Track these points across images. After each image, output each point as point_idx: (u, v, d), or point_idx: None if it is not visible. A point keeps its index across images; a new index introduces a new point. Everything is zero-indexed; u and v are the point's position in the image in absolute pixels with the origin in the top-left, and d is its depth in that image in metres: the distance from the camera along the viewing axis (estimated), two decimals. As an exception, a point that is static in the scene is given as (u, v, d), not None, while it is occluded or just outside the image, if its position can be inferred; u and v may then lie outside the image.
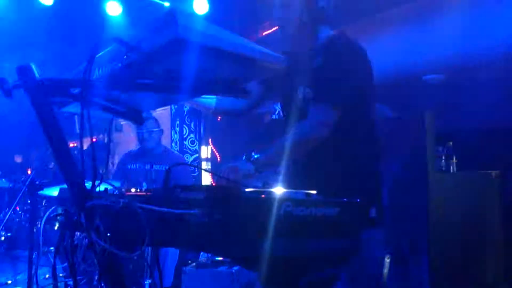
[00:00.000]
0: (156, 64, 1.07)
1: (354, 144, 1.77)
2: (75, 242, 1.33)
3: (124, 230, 1.16)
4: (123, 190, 1.35)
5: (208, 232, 1.00)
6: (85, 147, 1.31)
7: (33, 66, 1.18)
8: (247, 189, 1.13)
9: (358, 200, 1.19)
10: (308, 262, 1.04)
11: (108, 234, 1.15)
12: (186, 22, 0.98)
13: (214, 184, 3.44)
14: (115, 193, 1.26)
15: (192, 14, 5.76)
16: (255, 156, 1.65)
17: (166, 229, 1.10)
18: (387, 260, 2.54)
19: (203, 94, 1.41)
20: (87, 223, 1.08)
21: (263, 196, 1.02)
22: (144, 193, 1.24)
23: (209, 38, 0.98)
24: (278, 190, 1.08)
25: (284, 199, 1.01)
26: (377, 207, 1.74)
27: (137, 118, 1.41)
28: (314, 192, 1.14)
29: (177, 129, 6.36)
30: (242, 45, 1.03)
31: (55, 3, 5.30)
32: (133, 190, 1.34)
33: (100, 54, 1.21)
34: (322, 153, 1.74)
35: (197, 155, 6.33)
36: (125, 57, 1.10)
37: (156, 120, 3.97)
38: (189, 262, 3.33)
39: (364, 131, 1.81)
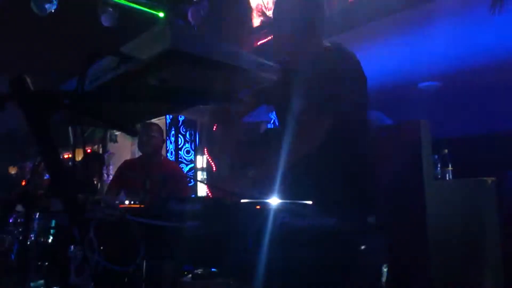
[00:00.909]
0: (150, 75, 1.06)
1: (350, 153, 1.77)
2: (69, 256, 1.30)
3: (118, 243, 1.14)
4: (116, 202, 1.34)
5: (203, 244, 0.98)
6: (79, 158, 1.29)
7: (26, 78, 1.17)
8: (242, 200, 1.12)
9: (356, 209, 1.18)
10: (306, 274, 1.02)
11: (102, 248, 1.14)
12: (179, 32, 0.97)
13: (209, 195, 3.43)
14: (109, 205, 1.25)
15: (186, 25, 5.78)
16: (252, 171, 1.65)
17: (161, 242, 1.08)
18: (384, 270, 2.53)
19: (197, 104, 1.41)
20: (80, 237, 1.06)
21: (258, 207, 1.01)
22: (138, 206, 1.22)
23: (202, 48, 0.97)
24: (274, 201, 1.06)
25: (281, 210, 1.00)
26: (376, 215, 1.74)
27: (130, 129, 1.40)
28: (310, 202, 1.13)
29: (173, 139, 6.34)
30: (237, 55, 1.02)
31: (50, 13, 5.31)
32: (127, 202, 1.33)
33: (93, 65, 1.20)
34: (318, 162, 1.73)
35: (192, 165, 6.31)
36: (118, 68, 1.09)
37: (159, 128, 3.92)
38: (185, 273, 3.29)
39: (360, 140, 1.81)
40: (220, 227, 0.98)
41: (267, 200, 1.09)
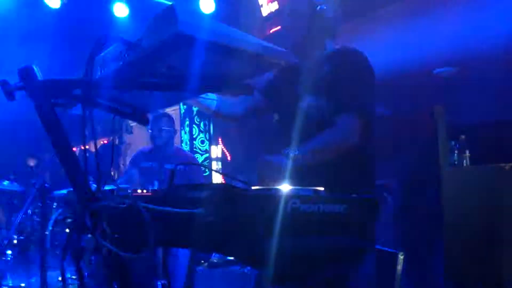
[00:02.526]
0: (158, 62, 1.05)
1: (361, 145, 1.77)
2: (83, 244, 1.31)
3: (130, 231, 1.14)
4: (129, 191, 1.34)
5: (214, 231, 0.98)
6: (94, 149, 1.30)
7: (35, 68, 1.17)
8: (253, 187, 1.11)
9: (368, 195, 1.16)
10: (317, 261, 1.01)
11: (115, 236, 1.14)
12: (187, 18, 0.96)
13: (222, 183, 3.44)
14: (121, 193, 1.25)
15: (194, 10, 5.77)
16: (293, 153, 1.65)
17: (173, 229, 1.08)
18: (400, 257, 2.50)
19: (207, 92, 1.40)
20: (92, 225, 1.06)
21: (269, 193, 1.00)
22: (150, 193, 1.22)
23: (211, 33, 0.95)
24: (285, 187, 1.05)
25: (291, 196, 0.99)
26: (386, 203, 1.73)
27: (142, 118, 1.39)
28: (321, 188, 1.11)
29: (187, 129, 6.36)
30: (247, 40, 1.01)
31: (62, 5, 5.34)
32: (139, 190, 1.33)
33: (102, 54, 1.19)
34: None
35: (207, 155, 6.33)
36: (126, 55, 1.08)
37: (170, 119, 3.93)
38: (202, 262, 3.32)
39: (369, 131, 1.81)
40: (230, 214, 0.97)
41: (278, 187, 1.07)
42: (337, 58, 1.78)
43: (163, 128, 3.76)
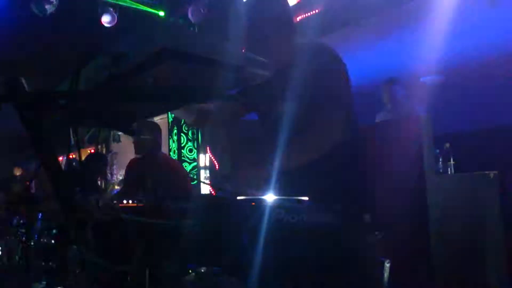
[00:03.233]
0: (143, 74, 1.06)
1: (343, 150, 1.75)
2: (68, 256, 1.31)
3: (115, 243, 1.14)
4: (115, 201, 1.34)
5: (199, 241, 0.99)
6: (82, 159, 1.30)
7: (22, 79, 1.17)
8: (238, 197, 1.12)
9: (350, 205, 1.18)
10: (301, 270, 1.02)
11: (100, 247, 1.14)
12: (172, 31, 0.97)
13: (212, 193, 3.43)
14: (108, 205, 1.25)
15: (179, 24, 5.78)
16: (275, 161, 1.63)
17: (158, 241, 1.09)
18: (387, 265, 2.52)
19: (191, 102, 1.41)
20: (77, 237, 1.06)
21: (253, 204, 1.01)
22: (136, 205, 1.22)
23: (196, 47, 0.97)
24: (269, 198, 1.06)
25: (275, 206, 1.00)
26: (371, 212, 1.74)
27: (127, 128, 1.40)
28: (305, 198, 1.13)
29: (175, 138, 6.35)
30: (228, 52, 1.02)
31: (50, 13, 5.32)
32: (125, 202, 1.33)
33: (87, 65, 1.20)
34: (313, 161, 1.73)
35: (195, 163, 6.32)
36: (111, 67, 1.09)
37: (152, 127, 3.89)
38: (189, 271, 3.30)
39: (351, 136, 1.80)
40: (216, 225, 0.98)
41: (263, 197, 1.08)
42: (306, 55, 1.74)
43: (143, 137, 3.71)
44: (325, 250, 1.08)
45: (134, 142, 3.76)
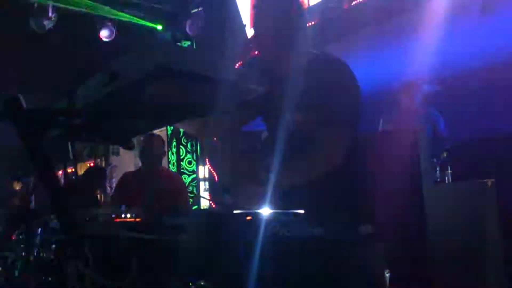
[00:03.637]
0: (140, 91, 1.08)
1: (344, 166, 1.74)
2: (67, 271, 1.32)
3: (113, 258, 1.15)
4: (113, 216, 1.35)
5: (195, 257, 1.00)
6: (80, 173, 1.31)
7: (20, 97, 1.19)
8: (235, 211, 1.13)
9: (347, 218, 1.19)
10: (298, 285, 1.03)
11: (97, 263, 1.15)
12: (168, 49, 0.99)
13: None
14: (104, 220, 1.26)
15: (172, 42, 5.82)
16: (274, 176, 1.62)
17: (155, 256, 1.10)
18: (386, 275, 2.52)
19: (187, 118, 1.43)
20: (74, 252, 1.08)
21: (249, 218, 1.02)
22: (133, 220, 1.24)
23: (189, 64, 0.99)
24: (265, 211, 1.08)
25: (271, 220, 1.01)
26: (371, 223, 1.74)
27: (127, 143, 1.41)
28: (302, 212, 1.14)
29: (174, 150, 6.37)
30: (223, 68, 1.04)
31: (48, 30, 5.36)
32: (122, 215, 1.34)
33: (85, 82, 1.22)
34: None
35: (194, 175, 6.33)
36: (108, 85, 1.11)
37: (161, 140, 3.92)
38: (190, 284, 3.29)
39: (352, 148, 1.79)
40: (212, 239, 0.99)
41: (259, 211, 1.10)
42: (319, 67, 1.72)
43: (154, 146, 3.77)
44: (321, 264, 1.09)
45: (142, 152, 3.77)
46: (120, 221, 1.22)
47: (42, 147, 1.13)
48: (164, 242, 1.02)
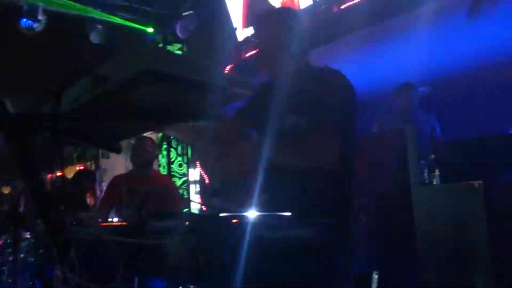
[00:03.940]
0: (125, 95, 1.08)
1: (334, 164, 1.76)
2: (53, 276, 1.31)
3: (98, 263, 1.15)
4: (99, 220, 1.35)
5: (182, 260, 1.00)
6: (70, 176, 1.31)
7: (6, 102, 1.19)
8: (221, 214, 1.14)
9: (334, 220, 1.20)
10: (284, 286, 1.03)
11: (83, 267, 1.14)
12: (151, 53, 0.99)
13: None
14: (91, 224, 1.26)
15: (158, 46, 5.82)
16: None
17: (141, 260, 1.10)
18: (375, 276, 2.54)
19: (175, 122, 1.43)
20: (60, 257, 1.07)
21: (235, 220, 1.03)
22: (119, 224, 1.24)
23: (176, 68, 0.99)
24: (252, 214, 1.08)
25: (256, 223, 1.02)
26: (358, 225, 1.76)
27: (114, 147, 1.41)
28: (288, 214, 1.14)
29: (165, 153, 6.36)
30: (209, 72, 1.05)
31: (38, 32, 5.33)
32: (114, 220, 1.34)
33: (71, 86, 1.22)
34: (300, 173, 1.74)
35: (185, 178, 6.31)
36: (94, 88, 1.11)
37: (153, 142, 3.91)
38: None
39: (344, 153, 1.81)
40: (197, 243, 0.99)
41: (245, 214, 1.10)
42: (321, 78, 1.75)
43: (147, 148, 3.75)
44: (307, 265, 1.10)
45: (134, 153, 3.75)
46: (106, 225, 1.22)
47: (28, 151, 1.13)
48: (149, 246, 1.02)
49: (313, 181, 1.72)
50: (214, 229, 1.01)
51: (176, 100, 1.10)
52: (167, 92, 1.07)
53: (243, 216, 1.08)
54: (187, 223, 1.01)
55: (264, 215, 1.11)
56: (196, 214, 1.03)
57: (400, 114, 4.09)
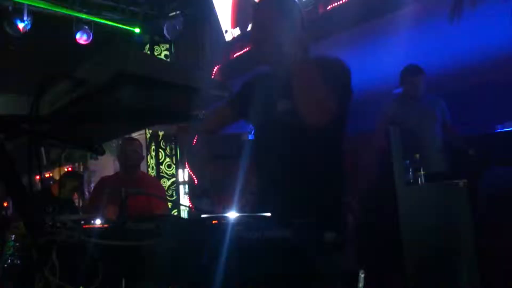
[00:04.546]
0: (104, 97, 1.08)
1: (326, 162, 1.76)
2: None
3: (80, 264, 1.15)
4: (82, 222, 1.35)
5: (161, 262, 1.00)
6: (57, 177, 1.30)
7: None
8: (202, 215, 1.14)
9: (317, 220, 1.20)
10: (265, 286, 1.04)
11: (64, 269, 1.14)
12: (129, 55, 1.00)
13: (192, 209, 3.44)
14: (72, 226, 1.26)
15: (146, 46, 5.79)
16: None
17: (122, 262, 1.10)
18: (361, 276, 2.55)
19: (155, 124, 1.43)
20: (39, 259, 1.07)
21: (214, 222, 1.03)
22: (101, 226, 1.23)
23: (152, 70, 1.00)
24: (232, 215, 1.09)
25: (236, 224, 1.02)
26: (343, 225, 1.77)
27: (97, 149, 1.41)
28: (268, 214, 1.15)
29: (153, 154, 6.34)
30: (187, 75, 1.05)
31: (24, 33, 5.29)
32: (92, 222, 1.34)
33: (50, 88, 1.21)
34: (286, 173, 1.75)
35: (174, 179, 6.30)
36: (73, 91, 1.11)
37: (139, 143, 3.89)
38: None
39: (332, 151, 1.81)
40: (177, 244, 0.99)
41: (225, 215, 1.11)
42: (320, 66, 1.69)
43: (135, 149, 3.74)
44: (288, 266, 1.10)
45: (124, 154, 3.73)
46: (87, 227, 1.22)
47: (5, 154, 1.12)
48: (130, 248, 1.02)
49: (305, 180, 1.73)
50: (194, 230, 1.02)
51: (155, 102, 1.11)
52: (145, 94, 1.07)
53: (223, 216, 1.09)
54: (166, 224, 1.01)
55: (243, 216, 1.11)
56: (176, 216, 1.03)
57: (407, 100, 3.80)
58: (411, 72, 3.80)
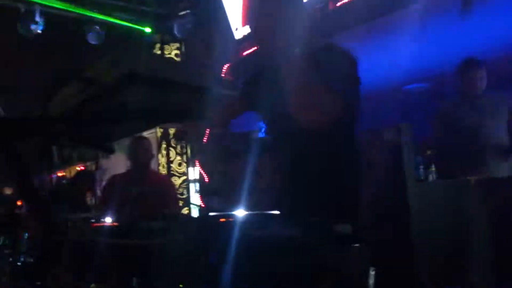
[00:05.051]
0: (113, 97, 1.09)
1: (337, 159, 1.76)
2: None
3: (91, 262, 1.16)
4: (92, 221, 1.37)
5: (171, 259, 1.01)
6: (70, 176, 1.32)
7: (-1, 106, 1.21)
8: (210, 214, 1.15)
9: (327, 218, 1.20)
10: (271, 285, 1.05)
11: (77, 267, 1.16)
12: (141, 56, 1.01)
13: (202, 206, 3.46)
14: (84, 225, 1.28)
15: (156, 45, 5.80)
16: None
17: (133, 260, 1.11)
18: (372, 273, 2.54)
19: (165, 123, 1.44)
20: (52, 257, 1.09)
21: (222, 220, 1.04)
22: (111, 225, 1.25)
23: (160, 71, 1.01)
24: (240, 213, 1.10)
25: (243, 222, 1.03)
26: (353, 223, 1.77)
27: (107, 148, 1.43)
28: (277, 212, 1.16)
29: (164, 152, 6.37)
30: (195, 75, 1.06)
31: (36, 34, 5.34)
32: (102, 220, 1.36)
33: (61, 90, 1.24)
34: (295, 171, 1.75)
35: (185, 177, 6.33)
36: (83, 92, 1.13)
37: (149, 142, 3.92)
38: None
39: (348, 146, 1.81)
40: (185, 242, 1.01)
41: (233, 212, 1.12)
42: (325, 57, 1.70)
43: (146, 148, 3.78)
44: (297, 265, 1.10)
45: (135, 153, 3.76)
46: (98, 226, 1.24)
47: (18, 155, 1.14)
48: (140, 247, 1.04)
49: (322, 179, 1.72)
50: (201, 229, 1.03)
51: (166, 101, 1.12)
52: (156, 93, 1.08)
53: (231, 214, 1.10)
54: (174, 223, 1.02)
55: (250, 214, 1.12)
56: (185, 215, 1.04)
57: (466, 97, 3.40)
58: (469, 66, 3.36)
